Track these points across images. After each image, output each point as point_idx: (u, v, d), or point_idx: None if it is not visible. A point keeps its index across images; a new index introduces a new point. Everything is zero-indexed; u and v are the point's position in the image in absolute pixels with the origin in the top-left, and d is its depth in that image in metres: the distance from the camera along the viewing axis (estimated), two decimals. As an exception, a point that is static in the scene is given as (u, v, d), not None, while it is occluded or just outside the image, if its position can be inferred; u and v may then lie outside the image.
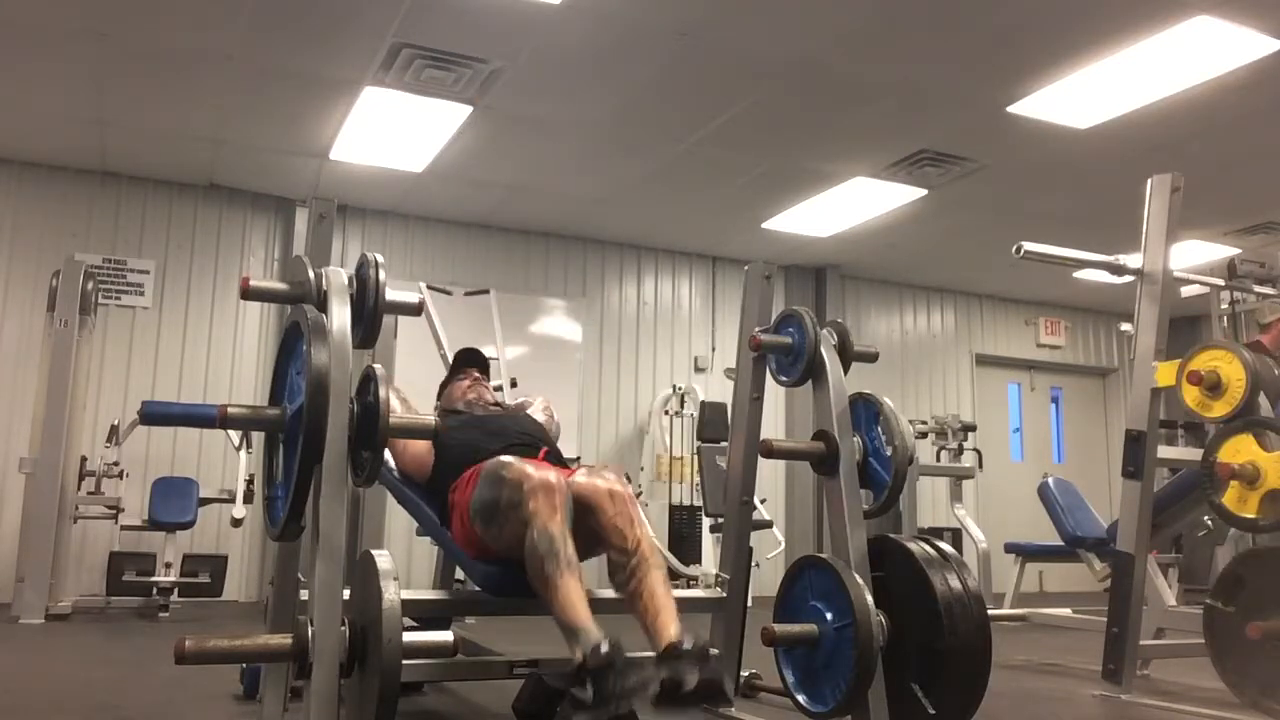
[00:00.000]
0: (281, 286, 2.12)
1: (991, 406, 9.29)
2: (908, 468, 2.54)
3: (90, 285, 5.54)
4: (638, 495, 7.04)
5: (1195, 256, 7.35)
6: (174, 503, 5.67)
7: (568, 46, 4.78)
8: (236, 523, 5.52)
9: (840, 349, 2.66)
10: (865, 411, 2.62)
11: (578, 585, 2.26)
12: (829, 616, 2.34)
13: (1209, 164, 5.74)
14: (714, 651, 2.44)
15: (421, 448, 2.79)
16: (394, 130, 5.83)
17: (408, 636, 1.81)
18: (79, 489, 5.50)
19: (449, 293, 5.76)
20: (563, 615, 2.22)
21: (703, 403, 7.12)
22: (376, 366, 1.93)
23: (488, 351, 3.70)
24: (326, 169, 6.42)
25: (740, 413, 2.86)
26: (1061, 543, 5.41)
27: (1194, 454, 3.60)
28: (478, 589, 2.59)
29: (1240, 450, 3.16)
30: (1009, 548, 6.36)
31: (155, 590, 5.43)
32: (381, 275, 2.07)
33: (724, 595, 2.79)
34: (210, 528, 6.23)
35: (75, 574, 5.84)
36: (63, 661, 3.86)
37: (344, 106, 5.51)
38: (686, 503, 7.21)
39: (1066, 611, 4.50)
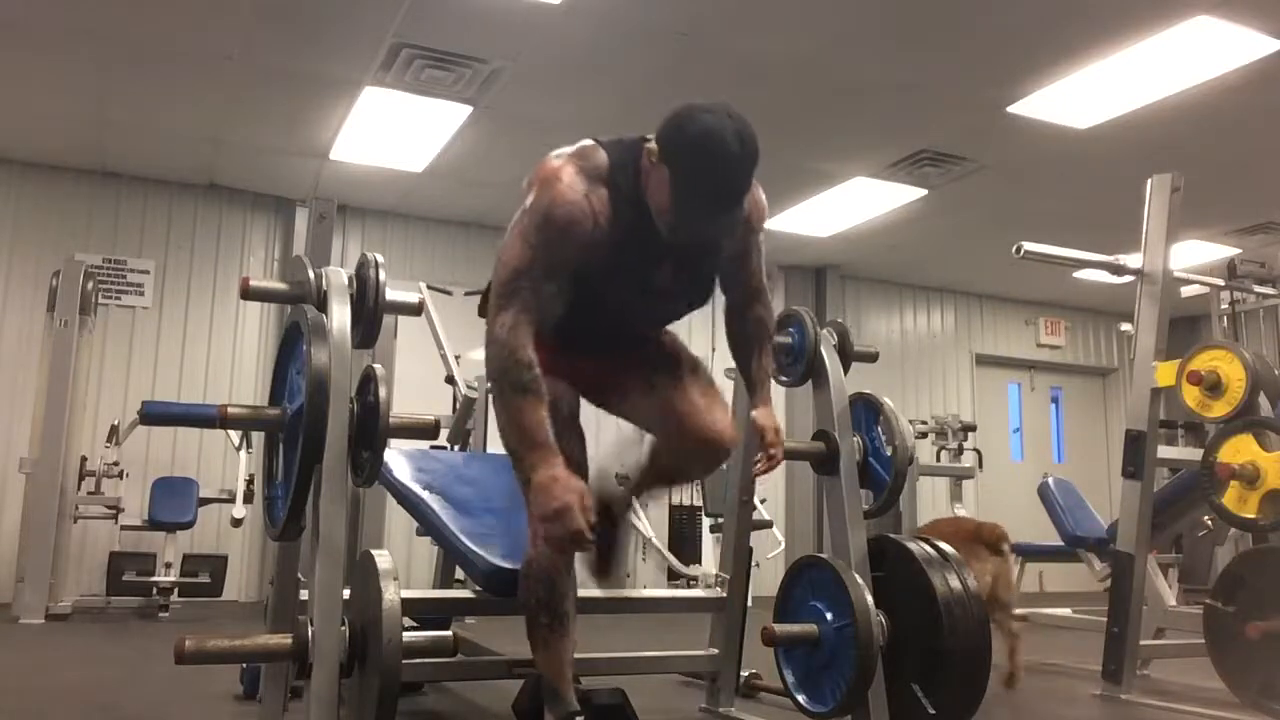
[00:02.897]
0: (281, 286, 2.12)
1: (991, 406, 9.28)
2: (908, 468, 2.54)
3: (90, 285, 5.54)
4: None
5: (1195, 256, 7.35)
6: (174, 503, 5.67)
7: (568, 46, 4.78)
8: (236, 523, 5.52)
9: (840, 349, 2.66)
10: (865, 411, 2.63)
11: (569, 646, 2.07)
12: (829, 616, 2.34)
13: (1209, 164, 5.73)
14: None
15: None
16: (394, 130, 5.83)
17: (408, 636, 1.81)
18: (79, 489, 5.49)
19: (449, 293, 5.76)
20: (547, 669, 2.08)
21: (703, 403, 7.10)
22: (376, 366, 1.93)
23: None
24: (326, 169, 6.42)
25: (740, 413, 2.86)
26: (1061, 543, 5.40)
27: (1194, 454, 3.61)
28: (478, 589, 2.59)
29: (1240, 450, 3.16)
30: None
31: (155, 590, 5.43)
32: (381, 275, 2.07)
33: (724, 595, 2.79)
34: (210, 528, 6.22)
35: (75, 574, 5.84)
36: (63, 661, 3.86)
37: (344, 106, 5.51)
38: (686, 503, 7.20)
39: (1066, 611, 4.50)
